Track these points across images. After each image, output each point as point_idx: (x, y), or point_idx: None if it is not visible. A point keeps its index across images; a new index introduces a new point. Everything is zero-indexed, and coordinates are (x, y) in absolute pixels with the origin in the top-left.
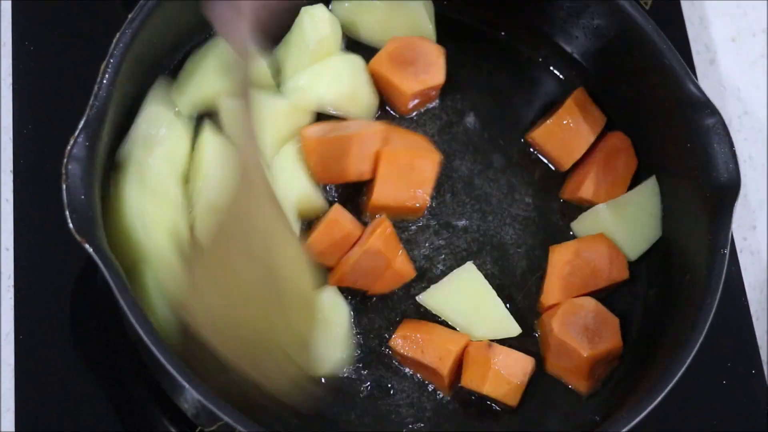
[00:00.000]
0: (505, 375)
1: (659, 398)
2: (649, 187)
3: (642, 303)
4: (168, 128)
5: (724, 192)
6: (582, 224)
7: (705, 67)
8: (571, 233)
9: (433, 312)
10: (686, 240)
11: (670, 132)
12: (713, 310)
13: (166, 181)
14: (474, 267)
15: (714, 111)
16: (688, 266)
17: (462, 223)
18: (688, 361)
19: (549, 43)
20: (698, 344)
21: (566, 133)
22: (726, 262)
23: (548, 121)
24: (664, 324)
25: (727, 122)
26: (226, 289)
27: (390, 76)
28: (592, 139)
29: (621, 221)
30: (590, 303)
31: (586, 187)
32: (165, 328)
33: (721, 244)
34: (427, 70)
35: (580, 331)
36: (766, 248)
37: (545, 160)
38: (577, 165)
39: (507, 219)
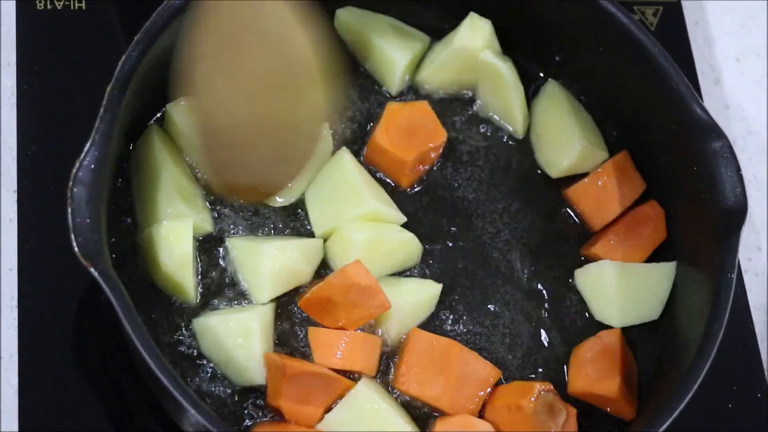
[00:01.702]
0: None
1: (668, 423)
2: (667, 268)
3: (648, 329)
4: None
5: (731, 215)
6: (584, 275)
7: (710, 87)
8: (571, 281)
9: None
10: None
11: (677, 156)
12: (720, 336)
13: None
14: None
15: (720, 134)
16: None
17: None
18: (695, 387)
19: (553, 67)
20: (705, 371)
21: (601, 194)
22: (733, 287)
23: (585, 180)
24: (669, 349)
25: (731, 142)
26: (238, 76)
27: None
28: (626, 203)
29: (623, 285)
30: None
31: (602, 244)
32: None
33: (728, 268)
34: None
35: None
36: None
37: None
38: (606, 227)
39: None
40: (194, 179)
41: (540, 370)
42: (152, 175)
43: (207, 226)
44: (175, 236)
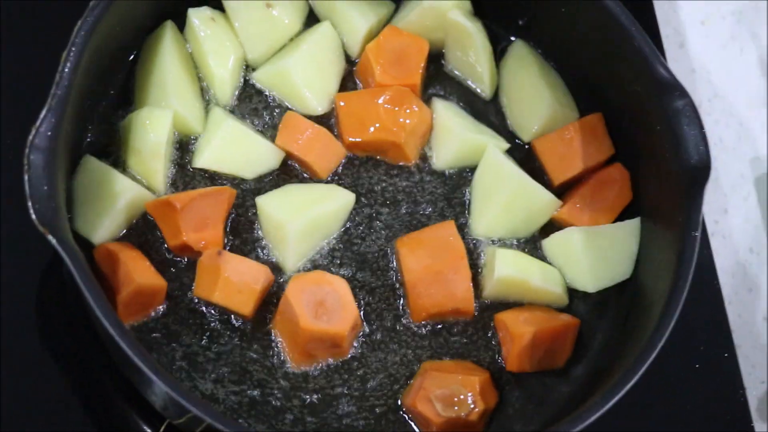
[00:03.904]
0: (236, 283)
1: (632, 382)
2: (632, 225)
3: (617, 289)
4: None
5: (695, 174)
6: (553, 243)
7: (675, 51)
8: (539, 251)
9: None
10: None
11: (640, 116)
12: (685, 293)
13: None
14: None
15: (683, 93)
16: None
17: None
18: (660, 344)
19: (518, 28)
20: (671, 327)
21: (566, 149)
22: (697, 245)
23: (552, 133)
24: (636, 308)
25: (697, 105)
26: None
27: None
28: (590, 163)
29: (592, 250)
30: None
31: (568, 207)
32: None
33: (693, 226)
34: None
35: None
36: (737, 232)
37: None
38: (571, 188)
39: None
40: (197, 84)
41: None
42: (154, 66)
43: (194, 125)
44: (152, 121)
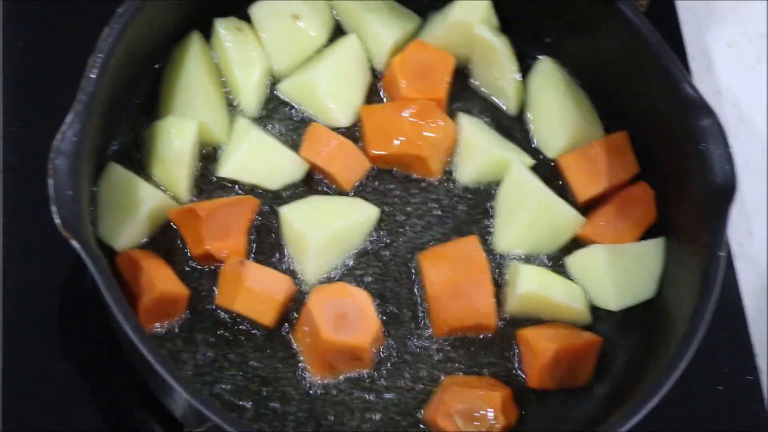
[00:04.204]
0: (258, 292)
1: (652, 403)
2: (656, 244)
3: (640, 308)
4: None
5: (721, 193)
6: (576, 261)
7: (701, 72)
8: (561, 263)
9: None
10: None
11: (666, 135)
12: (709, 313)
13: None
14: None
15: (710, 112)
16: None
17: None
18: (683, 365)
19: (546, 47)
20: (694, 348)
21: (591, 167)
22: (722, 265)
23: (577, 150)
24: (659, 328)
25: (723, 127)
26: None
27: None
28: (615, 181)
29: (616, 268)
30: None
31: (592, 225)
32: None
33: (718, 246)
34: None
35: None
36: (762, 254)
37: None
38: (595, 206)
39: None
40: (223, 95)
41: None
42: (180, 75)
43: (219, 135)
44: (177, 130)
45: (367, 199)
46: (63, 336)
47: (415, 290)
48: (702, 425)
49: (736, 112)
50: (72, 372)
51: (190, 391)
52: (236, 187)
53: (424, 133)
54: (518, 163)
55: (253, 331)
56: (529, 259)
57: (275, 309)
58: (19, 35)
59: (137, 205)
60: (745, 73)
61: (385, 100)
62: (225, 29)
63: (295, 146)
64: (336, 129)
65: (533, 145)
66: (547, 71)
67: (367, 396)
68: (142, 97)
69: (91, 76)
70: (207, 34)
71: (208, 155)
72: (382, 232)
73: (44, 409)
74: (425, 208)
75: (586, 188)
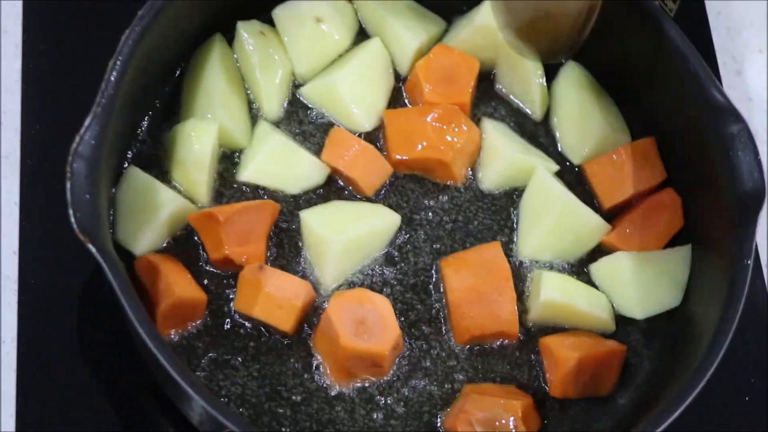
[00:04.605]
0: (277, 298)
1: (677, 413)
2: (682, 252)
3: (665, 316)
4: None
5: (749, 201)
6: (601, 268)
7: (731, 79)
8: (585, 271)
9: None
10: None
11: (694, 141)
12: (735, 323)
13: None
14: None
15: (739, 118)
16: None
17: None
18: (708, 374)
19: None
20: (719, 358)
21: (617, 173)
22: (749, 273)
23: (603, 156)
24: (684, 337)
25: (753, 134)
26: None
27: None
28: (641, 188)
29: (640, 276)
30: None
31: (617, 232)
32: None
33: (745, 254)
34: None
35: None
36: None
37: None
38: (621, 212)
39: None
40: (245, 98)
41: None
42: (202, 78)
43: (240, 138)
44: (197, 133)
45: (388, 205)
46: (80, 339)
47: (437, 297)
48: None
49: (767, 119)
50: (88, 377)
51: (208, 399)
52: (257, 191)
53: (448, 138)
54: (543, 168)
55: (271, 338)
56: (552, 266)
57: (294, 315)
58: (39, 38)
59: (156, 209)
60: None
61: (408, 104)
62: (247, 33)
63: (316, 150)
64: (358, 133)
65: (558, 151)
66: (572, 76)
67: (386, 403)
68: (164, 101)
69: (111, 78)
70: (229, 37)
71: (228, 159)
72: (403, 238)
73: (60, 415)
74: (448, 214)
75: (611, 195)
